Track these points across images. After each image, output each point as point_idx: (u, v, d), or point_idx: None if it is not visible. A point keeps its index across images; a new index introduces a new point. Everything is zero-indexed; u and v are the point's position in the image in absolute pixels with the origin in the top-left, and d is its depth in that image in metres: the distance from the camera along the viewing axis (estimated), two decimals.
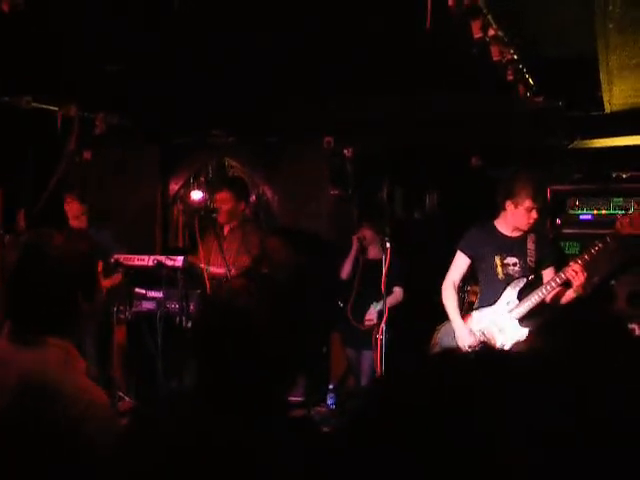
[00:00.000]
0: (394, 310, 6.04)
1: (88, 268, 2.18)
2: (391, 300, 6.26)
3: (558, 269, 5.32)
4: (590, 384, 0.85)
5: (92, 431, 1.92)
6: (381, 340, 5.68)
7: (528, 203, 5.17)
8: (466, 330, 5.46)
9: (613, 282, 6.25)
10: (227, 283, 1.90)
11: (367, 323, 6.44)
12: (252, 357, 1.77)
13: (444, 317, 6.39)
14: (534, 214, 5.22)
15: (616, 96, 5.16)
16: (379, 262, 6.19)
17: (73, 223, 6.46)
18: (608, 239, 5.18)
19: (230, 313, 1.80)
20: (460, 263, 5.61)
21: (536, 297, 5.25)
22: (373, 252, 6.64)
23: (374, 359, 6.14)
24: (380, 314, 6.15)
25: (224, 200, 6.42)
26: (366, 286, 6.52)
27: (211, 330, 1.83)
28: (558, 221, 6.69)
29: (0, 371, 2.01)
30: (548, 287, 5.24)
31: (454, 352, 0.94)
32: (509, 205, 5.29)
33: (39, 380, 1.97)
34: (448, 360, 0.89)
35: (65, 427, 1.91)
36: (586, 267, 5.15)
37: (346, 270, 6.78)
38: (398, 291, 6.54)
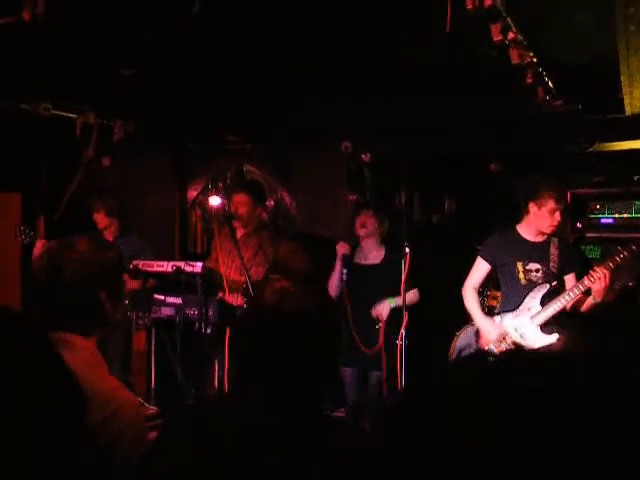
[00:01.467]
0: (412, 313, 5.95)
1: (112, 274, 2.19)
2: (410, 298, 6.01)
3: (580, 275, 5.28)
4: None
5: (122, 432, 1.92)
6: (401, 346, 5.64)
7: (551, 204, 5.15)
8: (490, 324, 5.44)
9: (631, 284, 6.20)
10: (271, 285, 1.90)
11: (375, 314, 5.98)
12: (300, 358, 1.79)
13: (463, 323, 6.37)
14: (557, 216, 5.19)
15: (637, 98, 5.12)
16: (378, 267, 6.13)
17: (104, 234, 6.50)
18: (634, 247, 5.14)
19: (280, 315, 1.83)
20: (480, 269, 5.58)
21: (559, 304, 5.21)
22: (373, 256, 6.24)
23: (382, 380, 5.89)
24: (393, 312, 5.94)
25: (241, 203, 6.41)
26: (365, 297, 6.09)
27: (261, 332, 1.85)
28: (579, 225, 6.65)
29: None
30: (571, 294, 5.20)
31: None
32: (532, 207, 5.26)
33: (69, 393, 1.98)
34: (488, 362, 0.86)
35: (95, 429, 1.91)
36: (610, 274, 5.11)
37: (334, 286, 6.20)
38: (414, 292, 6.14)
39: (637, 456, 0.71)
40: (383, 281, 6.03)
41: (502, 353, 5.38)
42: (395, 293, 5.99)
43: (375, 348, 5.90)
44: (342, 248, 6.16)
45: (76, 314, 2.11)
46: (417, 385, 0.88)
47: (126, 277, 6.13)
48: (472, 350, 5.83)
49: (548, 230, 5.26)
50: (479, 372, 0.82)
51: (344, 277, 6.11)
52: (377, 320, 5.98)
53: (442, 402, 0.80)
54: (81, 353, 2.06)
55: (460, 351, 6.14)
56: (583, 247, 6.62)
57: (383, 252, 6.21)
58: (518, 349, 5.16)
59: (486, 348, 5.54)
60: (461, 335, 6.36)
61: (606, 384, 0.76)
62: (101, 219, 6.52)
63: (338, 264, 6.17)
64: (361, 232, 6.14)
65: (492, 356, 0.93)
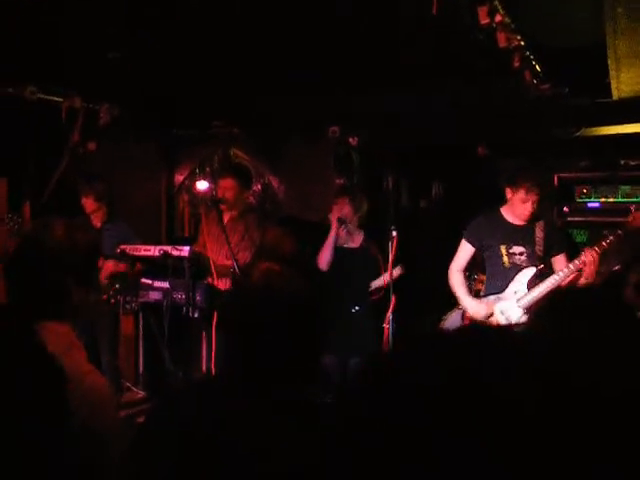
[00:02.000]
0: (399, 297, 5.95)
1: (83, 259, 2.17)
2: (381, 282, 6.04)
3: (568, 257, 5.29)
4: (577, 361, 0.83)
5: (89, 415, 1.92)
6: (388, 329, 5.65)
7: (522, 194, 5.15)
8: (476, 303, 5.45)
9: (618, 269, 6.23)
10: (258, 267, 1.91)
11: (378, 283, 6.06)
12: (287, 338, 1.79)
13: (450, 307, 6.39)
14: (529, 206, 5.18)
15: (624, 82, 5.12)
16: (356, 251, 6.13)
17: (91, 219, 6.47)
18: (620, 232, 5.16)
19: (266, 295, 1.82)
20: (465, 251, 5.59)
21: (545, 286, 5.21)
22: (351, 239, 6.20)
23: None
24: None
25: (228, 187, 6.39)
26: (343, 280, 6.05)
27: (247, 312, 1.84)
28: (566, 209, 6.68)
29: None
30: (558, 276, 5.21)
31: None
32: (508, 192, 5.28)
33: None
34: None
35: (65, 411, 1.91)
36: (599, 257, 5.13)
37: (326, 257, 6.11)
38: (397, 268, 6.05)
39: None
40: (361, 265, 6.03)
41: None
42: (372, 277, 6.05)
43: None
44: (337, 212, 6.11)
45: (45, 299, 2.09)
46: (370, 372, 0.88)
47: (109, 262, 6.13)
48: None
49: (523, 217, 5.26)
50: (435, 356, 0.82)
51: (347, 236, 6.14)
52: (354, 304, 6.01)
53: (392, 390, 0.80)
54: (56, 337, 2.04)
55: None
56: (570, 231, 6.65)
57: (362, 237, 6.21)
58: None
59: None
60: (447, 319, 6.39)
61: (568, 367, 0.77)
62: (89, 204, 6.49)
63: (333, 230, 6.08)
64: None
65: None
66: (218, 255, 6.24)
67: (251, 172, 7.92)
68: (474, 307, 5.47)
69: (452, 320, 6.39)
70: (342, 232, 6.05)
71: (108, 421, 1.97)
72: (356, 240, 6.18)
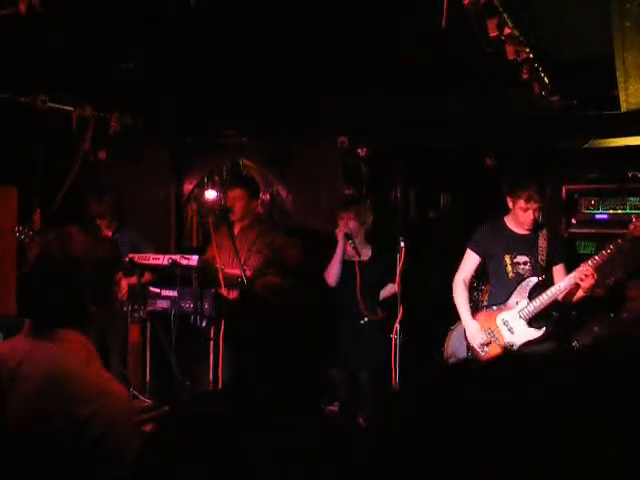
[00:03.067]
0: (406, 308, 5.94)
1: (102, 273, 2.18)
2: (389, 291, 6.07)
3: (569, 267, 5.28)
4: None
5: (111, 425, 1.93)
6: (395, 339, 5.65)
7: (521, 203, 5.15)
8: (476, 326, 5.42)
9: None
10: (261, 280, 1.89)
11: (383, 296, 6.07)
12: (289, 353, 1.78)
13: (458, 317, 6.38)
14: (530, 214, 5.18)
15: (632, 95, 5.13)
16: (366, 265, 6.06)
17: (101, 229, 6.51)
18: (620, 241, 5.15)
19: (265, 309, 1.81)
20: (470, 261, 5.57)
21: (545, 297, 5.21)
22: (362, 252, 6.10)
23: (371, 380, 5.88)
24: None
25: (237, 198, 6.42)
26: (352, 294, 5.96)
27: (248, 326, 1.84)
28: (573, 220, 6.67)
29: (29, 367, 2.02)
30: (557, 288, 5.20)
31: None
32: (509, 202, 5.29)
33: (63, 375, 1.98)
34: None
35: (85, 421, 1.91)
36: (597, 269, 5.12)
37: (333, 274, 6.04)
38: (392, 286, 6.00)
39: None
40: (369, 278, 6.01)
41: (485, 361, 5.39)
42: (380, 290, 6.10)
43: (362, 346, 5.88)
44: (343, 227, 6.05)
45: (61, 310, 2.10)
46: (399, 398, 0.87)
47: (120, 275, 6.14)
48: (461, 355, 5.84)
49: (525, 226, 5.26)
50: (460, 386, 0.81)
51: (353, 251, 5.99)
52: (362, 317, 5.96)
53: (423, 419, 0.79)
54: (73, 347, 2.05)
55: (454, 346, 6.17)
56: (578, 243, 6.64)
57: (370, 249, 6.17)
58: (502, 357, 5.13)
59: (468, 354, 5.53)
60: (455, 330, 6.38)
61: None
62: (99, 214, 6.53)
63: (340, 246, 6.02)
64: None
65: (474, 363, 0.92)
66: (227, 265, 6.25)
67: (258, 182, 7.95)
68: (472, 330, 5.44)
69: (460, 332, 6.39)
70: (349, 247, 5.97)
71: (128, 431, 1.98)
72: (364, 253, 6.10)
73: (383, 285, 6.11)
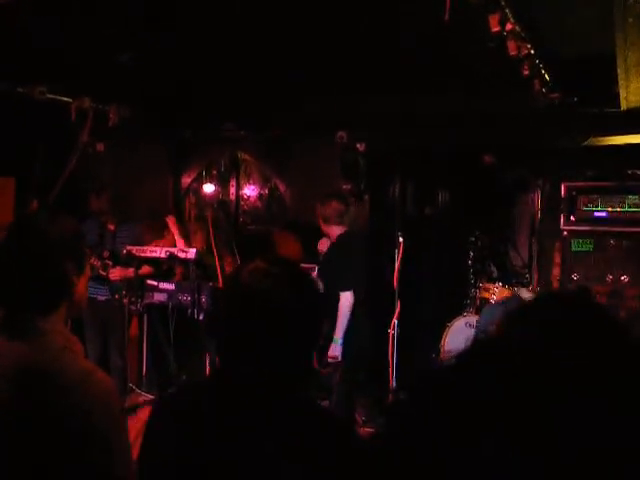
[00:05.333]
0: (404, 304, 5.92)
1: (75, 242, 2.15)
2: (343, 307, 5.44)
3: (564, 264, 5.29)
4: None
5: (95, 414, 1.90)
6: (392, 335, 5.65)
7: None
8: None
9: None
10: (247, 267, 1.85)
11: (331, 360, 5.49)
12: (274, 341, 1.75)
13: (455, 313, 6.40)
14: None
15: (633, 93, 5.12)
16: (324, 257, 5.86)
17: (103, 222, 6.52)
18: None
19: (252, 296, 1.78)
20: None
21: None
22: (322, 244, 5.94)
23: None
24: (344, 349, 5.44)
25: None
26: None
27: (234, 314, 1.81)
28: (572, 218, 6.67)
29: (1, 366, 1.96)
30: None
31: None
32: None
33: (38, 370, 1.93)
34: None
35: (67, 413, 1.88)
36: None
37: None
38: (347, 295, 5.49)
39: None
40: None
41: None
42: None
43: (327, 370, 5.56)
44: (322, 245, 5.93)
45: (44, 288, 2.05)
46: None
47: (116, 268, 6.17)
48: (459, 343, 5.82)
49: None
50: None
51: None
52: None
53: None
54: (50, 338, 2.01)
55: (450, 349, 6.16)
56: (576, 240, 6.65)
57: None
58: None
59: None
60: (452, 326, 6.40)
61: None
62: (99, 210, 6.52)
63: None
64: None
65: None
66: (224, 259, 6.25)
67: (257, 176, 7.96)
68: None
69: (456, 327, 6.40)
70: None
71: (113, 421, 1.95)
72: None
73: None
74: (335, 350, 5.39)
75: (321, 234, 6.03)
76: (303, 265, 5.93)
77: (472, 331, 6.20)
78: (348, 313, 5.35)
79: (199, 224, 6.72)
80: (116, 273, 6.19)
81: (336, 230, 5.60)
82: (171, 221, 6.59)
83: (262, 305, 1.75)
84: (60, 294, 2.06)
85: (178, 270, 6.43)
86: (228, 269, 6.13)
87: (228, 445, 1.72)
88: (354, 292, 5.39)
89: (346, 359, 5.46)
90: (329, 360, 5.45)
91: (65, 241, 2.09)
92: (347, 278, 5.42)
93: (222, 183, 8.24)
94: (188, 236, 6.60)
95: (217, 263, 6.09)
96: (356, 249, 5.56)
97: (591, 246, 6.50)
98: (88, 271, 2.22)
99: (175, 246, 6.31)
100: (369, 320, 5.61)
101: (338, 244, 5.58)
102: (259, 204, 8.10)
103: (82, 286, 2.15)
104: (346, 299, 5.36)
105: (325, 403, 6.33)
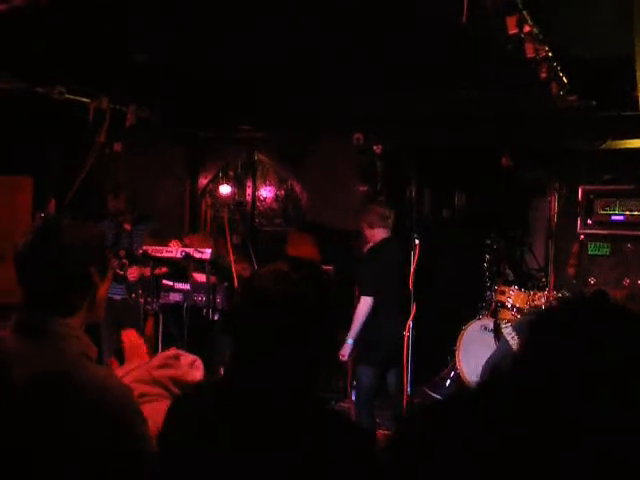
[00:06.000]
0: (420, 306, 5.89)
1: (100, 248, 2.16)
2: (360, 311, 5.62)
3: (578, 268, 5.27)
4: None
5: (112, 422, 1.89)
6: (408, 337, 5.64)
7: None
8: None
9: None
10: (268, 267, 1.84)
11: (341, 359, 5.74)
12: (291, 343, 1.74)
13: (470, 316, 6.37)
14: None
15: None
16: None
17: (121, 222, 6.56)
18: None
19: (274, 299, 1.77)
20: None
21: None
22: None
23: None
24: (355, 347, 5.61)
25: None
26: None
27: (253, 315, 1.80)
28: (589, 221, 6.64)
29: (16, 369, 1.95)
30: None
31: None
32: None
33: (54, 377, 1.91)
34: None
35: (83, 422, 1.88)
36: None
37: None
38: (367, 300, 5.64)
39: None
40: None
41: None
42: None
43: None
44: None
45: (66, 289, 2.04)
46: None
47: (133, 268, 6.21)
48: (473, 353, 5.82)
49: None
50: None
51: None
52: None
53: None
54: (68, 344, 1.99)
55: (467, 345, 6.15)
56: (593, 244, 6.61)
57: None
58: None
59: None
60: (467, 329, 6.37)
61: None
62: (117, 211, 6.55)
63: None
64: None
65: None
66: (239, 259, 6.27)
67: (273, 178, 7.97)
68: None
69: (471, 330, 6.38)
70: None
71: (131, 426, 1.94)
72: None
73: None
74: (344, 349, 5.54)
75: (338, 237, 6.06)
76: (321, 266, 5.98)
77: (487, 334, 6.18)
78: (362, 317, 5.51)
79: (207, 234, 6.73)
80: (134, 272, 6.23)
81: (381, 233, 5.76)
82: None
83: (282, 307, 1.75)
84: (82, 297, 2.06)
85: (195, 274, 6.43)
86: (245, 273, 6.13)
87: (242, 449, 1.71)
88: (382, 296, 5.56)
89: (371, 362, 5.63)
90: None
91: (90, 246, 2.10)
92: (369, 284, 5.59)
93: (238, 184, 8.25)
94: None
95: (233, 263, 6.10)
96: (392, 254, 5.68)
97: (608, 250, 6.47)
98: (110, 277, 2.23)
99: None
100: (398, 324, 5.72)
101: (377, 250, 5.75)
102: (275, 205, 8.11)
103: (103, 292, 2.16)
104: (364, 303, 5.53)
105: (344, 405, 6.36)
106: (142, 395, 2.30)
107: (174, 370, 2.50)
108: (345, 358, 5.62)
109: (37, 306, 2.02)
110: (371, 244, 5.81)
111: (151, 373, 2.44)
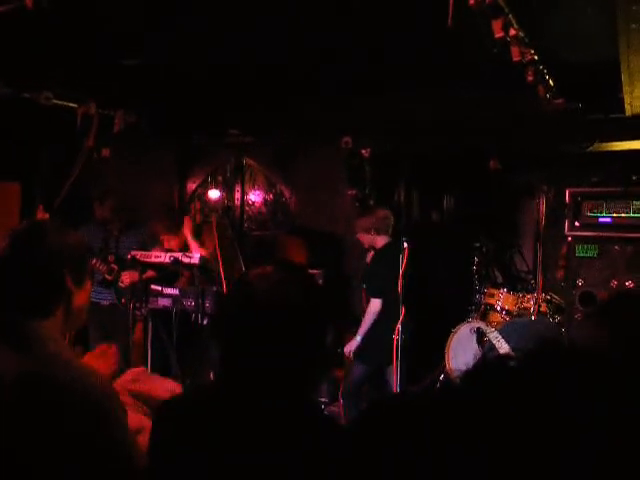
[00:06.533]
0: (409, 309, 5.91)
1: (76, 255, 2.15)
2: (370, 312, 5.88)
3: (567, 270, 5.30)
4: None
5: (94, 415, 1.89)
6: (397, 340, 5.64)
7: None
8: None
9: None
10: (255, 270, 1.85)
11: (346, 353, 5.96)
12: (277, 345, 1.75)
13: (460, 319, 6.38)
14: None
15: (637, 98, 5.12)
16: None
17: (109, 229, 6.55)
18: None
19: (258, 300, 1.77)
20: None
21: None
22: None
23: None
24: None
25: None
26: None
27: (240, 316, 1.81)
28: (577, 223, 6.66)
29: None
30: None
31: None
32: None
33: (30, 377, 1.91)
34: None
35: (66, 417, 1.88)
36: None
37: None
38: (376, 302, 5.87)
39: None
40: None
41: None
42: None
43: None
44: None
45: (36, 290, 2.05)
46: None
47: (126, 273, 6.20)
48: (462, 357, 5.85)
49: None
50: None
51: None
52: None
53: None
54: (43, 343, 1.99)
55: (456, 348, 6.16)
56: (580, 246, 6.64)
57: None
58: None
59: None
60: (457, 332, 6.38)
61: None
62: (103, 218, 6.53)
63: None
64: None
65: None
66: (229, 264, 6.26)
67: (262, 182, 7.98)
68: None
69: (461, 333, 6.38)
70: None
71: (109, 423, 1.94)
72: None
73: None
74: (350, 345, 5.86)
75: (327, 241, 6.07)
76: (309, 270, 5.99)
77: (475, 337, 6.19)
78: (372, 318, 5.78)
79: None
80: (127, 278, 6.23)
81: (384, 239, 5.95)
82: (187, 222, 6.63)
83: (268, 307, 1.75)
84: (54, 299, 2.06)
85: (185, 274, 6.43)
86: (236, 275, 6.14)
87: (234, 452, 1.72)
88: (386, 299, 5.77)
89: (367, 361, 5.89)
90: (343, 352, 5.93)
91: (65, 251, 2.10)
92: (378, 287, 5.83)
93: (227, 189, 8.24)
94: (200, 238, 6.63)
95: (221, 268, 6.09)
96: (396, 258, 5.76)
97: (596, 252, 6.49)
98: (89, 286, 2.22)
99: (185, 247, 6.36)
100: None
101: (383, 253, 5.91)
102: (264, 210, 8.11)
103: (81, 300, 2.15)
104: (374, 305, 5.79)
105: (334, 408, 6.36)
106: None
107: (144, 385, 2.54)
108: (349, 354, 5.88)
109: (11, 308, 2.04)
110: (378, 247, 5.96)
111: (125, 386, 2.47)
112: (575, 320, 6.20)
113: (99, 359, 2.43)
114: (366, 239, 5.99)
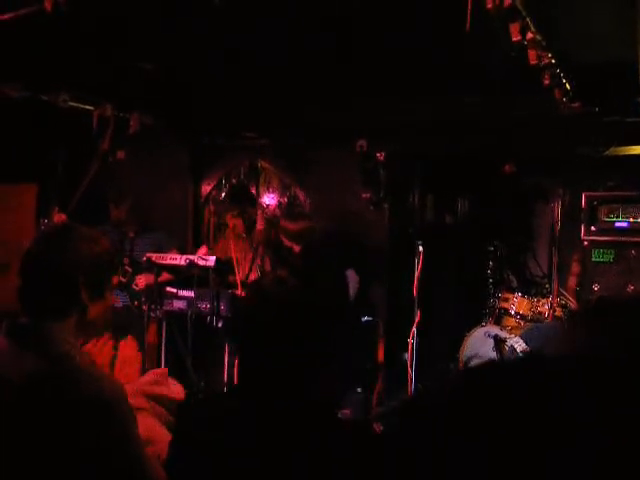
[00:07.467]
0: (423, 312, 5.90)
1: (95, 264, 2.16)
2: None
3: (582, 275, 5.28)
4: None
5: (103, 418, 1.90)
6: (412, 344, 5.64)
7: None
8: None
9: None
10: (270, 275, 1.88)
11: None
12: (295, 349, 1.75)
13: (474, 322, 6.36)
14: None
15: None
16: None
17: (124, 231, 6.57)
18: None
19: (272, 303, 1.79)
20: None
21: None
22: None
23: None
24: None
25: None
26: None
27: (253, 320, 1.82)
28: (593, 228, 6.63)
29: (7, 373, 1.96)
30: None
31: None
32: None
33: (42, 376, 1.93)
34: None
35: (79, 416, 1.89)
36: None
37: None
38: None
39: None
40: None
41: None
42: None
43: None
44: None
45: (50, 292, 2.06)
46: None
47: (141, 277, 6.22)
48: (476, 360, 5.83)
49: None
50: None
51: None
52: None
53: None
54: (56, 344, 2.00)
55: (471, 352, 6.14)
56: (597, 250, 6.61)
57: None
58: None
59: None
60: (471, 335, 6.36)
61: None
62: (118, 221, 6.55)
63: None
64: None
65: None
66: (242, 266, 6.27)
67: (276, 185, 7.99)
68: None
69: (475, 337, 6.37)
70: None
71: (119, 425, 1.95)
72: None
73: None
74: None
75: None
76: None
77: (491, 341, 6.17)
78: None
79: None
80: (142, 281, 6.24)
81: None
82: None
83: (280, 306, 1.77)
84: (67, 306, 2.08)
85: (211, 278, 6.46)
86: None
87: (253, 456, 1.72)
88: None
89: None
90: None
91: (83, 261, 2.11)
92: None
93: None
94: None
95: (236, 271, 6.10)
96: None
97: (612, 256, 6.46)
98: (109, 299, 2.23)
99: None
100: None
101: None
102: (278, 212, 8.11)
103: (98, 311, 2.16)
104: None
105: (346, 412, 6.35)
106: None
107: (163, 387, 2.54)
108: None
109: (29, 307, 2.07)
110: None
111: (142, 389, 2.47)
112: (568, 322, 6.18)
113: (123, 364, 2.45)
114: None
